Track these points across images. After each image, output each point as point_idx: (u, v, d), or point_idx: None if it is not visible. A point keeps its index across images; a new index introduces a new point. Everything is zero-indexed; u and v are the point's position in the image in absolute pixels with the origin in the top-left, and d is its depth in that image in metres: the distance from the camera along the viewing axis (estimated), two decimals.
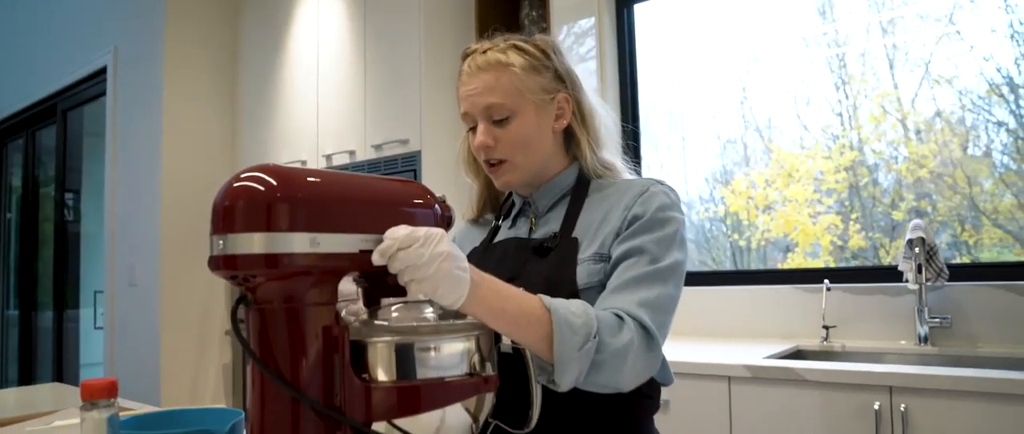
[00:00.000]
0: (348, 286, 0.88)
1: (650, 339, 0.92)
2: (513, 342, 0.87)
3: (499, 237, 1.17)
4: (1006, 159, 2.40)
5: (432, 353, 0.76)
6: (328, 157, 3.28)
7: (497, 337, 0.86)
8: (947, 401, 1.72)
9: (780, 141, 2.86)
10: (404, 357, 0.76)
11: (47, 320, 5.16)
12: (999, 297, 2.19)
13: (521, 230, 1.14)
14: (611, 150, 1.16)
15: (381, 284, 0.83)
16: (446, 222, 0.86)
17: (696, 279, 2.80)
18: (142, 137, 3.85)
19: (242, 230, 0.69)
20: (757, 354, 2.15)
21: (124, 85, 4.04)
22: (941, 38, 2.51)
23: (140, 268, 3.82)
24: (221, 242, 0.70)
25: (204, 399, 3.68)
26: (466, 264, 0.78)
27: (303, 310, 0.72)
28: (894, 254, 2.53)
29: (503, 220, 1.19)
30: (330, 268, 0.72)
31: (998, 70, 2.39)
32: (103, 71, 4.19)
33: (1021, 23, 2.37)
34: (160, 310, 3.61)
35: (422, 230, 0.75)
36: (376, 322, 0.78)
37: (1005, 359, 2.07)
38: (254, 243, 0.69)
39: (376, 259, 0.73)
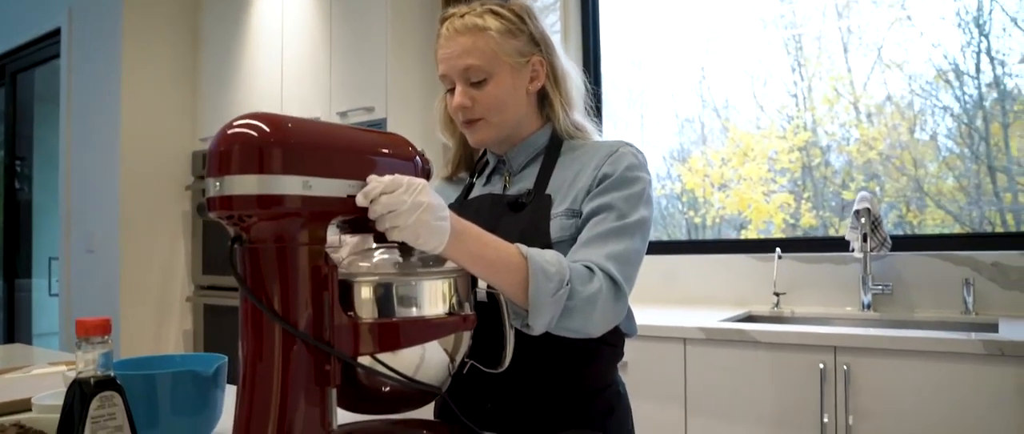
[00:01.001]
0: (331, 236, 0.92)
1: (617, 289, 0.99)
2: (488, 288, 0.93)
3: (474, 193, 1.22)
4: (950, 143, 2.53)
5: (413, 293, 0.82)
6: None
7: (474, 281, 0.91)
8: (885, 360, 1.84)
9: (737, 120, 2.93)
10: (387, 296, 0.81)
11: (0, 290, 5.05)
12: (936, 266, 2.33)
13: (495, 187, 1.19)
14: (581, 111, 1.21)
15: (367, 232, 0.88)
16: (426, 174, 0.91)
17: (655, 248, 2.89)
18: (99, 102, 3.78)
19: (238, 172, 0.73)
20: (712, 318, 2.25)
21: (79, 48, 3.95)
22: (893, 23, 2.60)
23: (98, 234, 3.77)
24: (217, 184, 0.74)
25: None
26: (447, 213, 0.83)
27: (294, 249, 0.76)
28: (843, 232, 2.61)
29: (477, 178, 1.24)
30: (320, 211, 0.77)
31: (945, 57, 2.50)
32: (57, 33, 4.09)
33: (968, 11, 2.48)
34: (119, 276, 3.58)
35: (406, 178, 0.79)
36: (362, 264, 0.83)
37: (939, 322, 2.21)
38: (249, 184, 0.73)
39: (360, 200, 0.78)
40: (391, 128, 2.89)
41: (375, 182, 0.79)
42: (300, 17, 3.28)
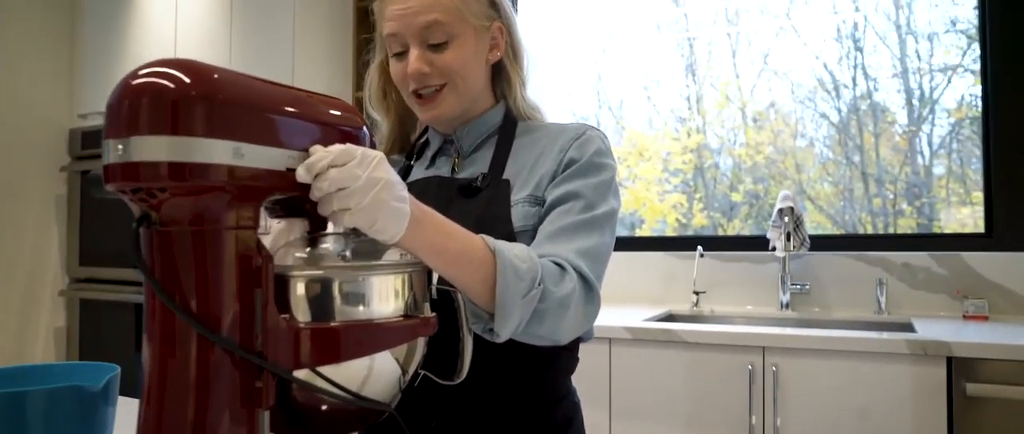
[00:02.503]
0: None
1: (589, 290, 0.88)
2: (440, 283, 0.79)
3: (413, 177, 1.07)
4: (826, 150, 2.68)
5: (364, 290, 0.67)
6: None
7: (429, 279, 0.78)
8: (813, 360, 1.83)
9: (632, 121, 2.99)
10: (331, 294, 0.66)
11: None
12: (849, 266, 2.36)
13: (443, 170, 1.05)
14: (533, 92, 1.09)
15: (300, 216, 0.73)
16: (370, 146, 0.77)
17: None
18: None
19: (148, 132, 0.57)
20: (633, 317, 2.19)
21: None
22: (779, 32, 2.71)
23: None
24: (119, 147, 0.57)
25: None
26: (406, 194, 0.69)
27: (218, 234, 0.60)
28: (731, 232, 2.77)
29: (416, 160, 1.10)
30: (252, 186, 0.61)
31: (825, 67, 2.64)
32: None
33: (845, 25, 2.61)
34: None
35: (359, 149, 0.65)
36: (298, 254, 0.68)
37: (855, 321, 2.24)
38: (162, 148, 0.57)
39: (301, 175, 0.63)
40: None
41: (321, 153, 0.64)
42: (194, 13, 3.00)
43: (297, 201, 0.69)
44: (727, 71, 2.79)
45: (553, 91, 3.09)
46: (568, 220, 0.91)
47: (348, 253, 0.70)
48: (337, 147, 0.64)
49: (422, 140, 1.10)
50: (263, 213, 0.73)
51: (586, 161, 0.96)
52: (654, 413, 1.98)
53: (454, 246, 0.75)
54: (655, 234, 2.86)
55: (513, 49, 1.03)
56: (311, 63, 2.81)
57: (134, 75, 0.59)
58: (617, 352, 2.04)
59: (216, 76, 0.60)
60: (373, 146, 0.76)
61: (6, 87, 3.25)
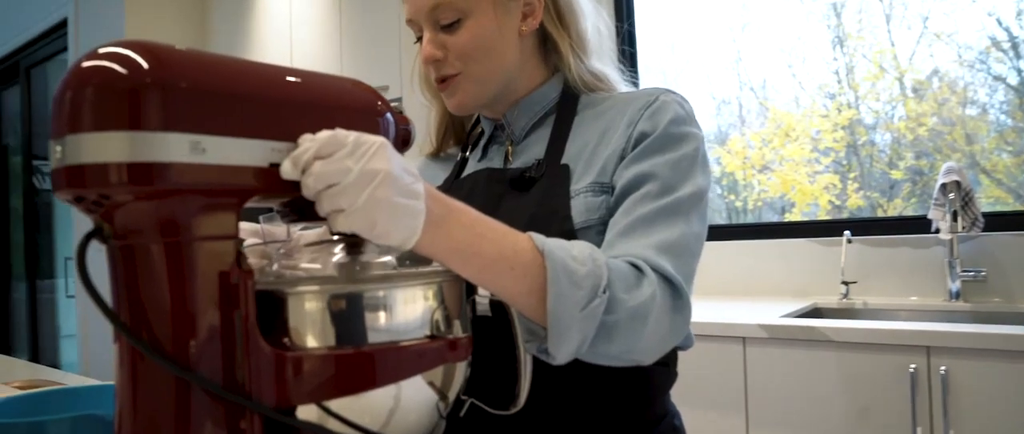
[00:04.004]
0: (277, 228, 0.66)
1: (676, 294, 0.71)
2: (492, 295, 0.66)
3: (467, 171, 0.94)
4: (1003, 117, 2.37)
5: (378, 308, 0.55)
6: None
7: (470, 287, 0.64)
8: (993, 362, 1.52)
9: (776, 100, 2.83)
10: (338, 314, 0.54)
11: (23, 291, 4.94)
12: None
13: (495, 161, 0.91)
14: (603, 58, 0.93)
15: (309, 219, 0.61)
16: (402, 139, 0.64)
17: None
18: None
19: (92, 129, 0.47)
20: (772, 313, 1.95)
21: (87, 38, 3.77)
22: None
23: None
24: (58, 148, 0.48)
25: None
26: (420, 188, 0.56)
27: (186, 247, 0.50)
28: (891, 213, 2.53)
29: (470, 151, 0.96)
30: (224, 187, 0.50)
31: (999, 23, 2.31)
32: (64, 25, 3.92)
33: None
34: None
35: (352, 135, 0.52)
36: (299, 265, 0.56)
37: None
38: (109, 147, 0.47)
39: (286, 170, 0.51)
40: (409, 107, 2.63)
41: (306, 142, 0.52)
42: (308, 4, 3.06)
43: (304, 204, 0.57)
44: (881, 39, 2.54)
45: (690, 73, 2.96)
46: (643, 209, 0.74)
47: (369, 258, 0.58)
48: (324, 134, 0.52)
49: (477, 129, 0.97)
50: (276, 217, 0.63)
51: (661, 132, 0.79)
52: (798, 423, 1.74)
53: (490, 249, 0.60)
54: (807, 218, 2.64)
55: (557, 11, 0.87)
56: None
57: (83, 60, 0.49)
58: (753, 353, 1.82)
59: (173, 58, 0.49)
60: (405, 135, 0.64)
61: None
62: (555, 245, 0.64)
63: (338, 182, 0.50)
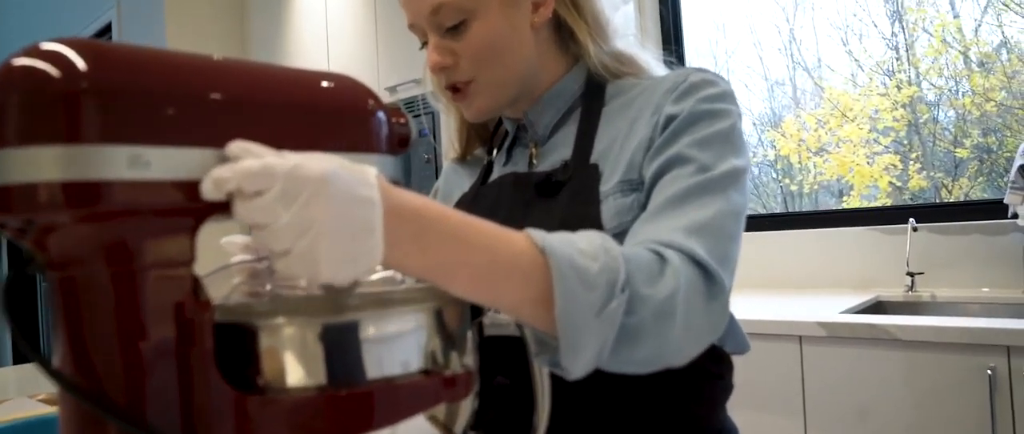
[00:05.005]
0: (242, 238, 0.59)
1: (710, 280, 0.61)
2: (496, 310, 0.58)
3: (493, 176, 0.86)
4: None
5: (357, 341, 0.47)
6: None
7: (475, 310, 0.56)
8: None
9: (832, 80, 2.73)
10: (309, 350, 0.46)
11: None
12: None
13: (520, 164, 0.83)
14: (627, 39, 0.84)
15: None
16: (400, 141, 0.56)
17: (753, 224, 2.47)
18: None
19: (19, 143, 0.40)
20: (831, 308, 1.83)
21: (128, 39, 3.82)
22: None
23: None
24: None
25: None
26: (376, 216, 0.44)
27: (133, 277, 0.43)
28: (957, 194, 2.40)
29: (496, 153, 0.88)
30: (171, 206, 0.43)
31: None
32: (109, 28, 3.97)
33: None
34: None
35: (287, 165, 0.42)
36: (265, 290, 0.49)
37: None
38: (38, 165, 0.40)
39: (207, 190, 0.42)
40: None
41: (223, 168, 0.42)
42: (344, 2, 3.03)
43: None
44: (943, 12, 2.43)
45: (743, 56, 2.89)
46: (671, 189, 0.66)
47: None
48: (247, 166, 0.42)
49: (501, 130, 0.89)
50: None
51: (690, 111, 0.70)
52: (861, 431, 1.62)
53: (479, 258, 0.51)
54: (866, 200, 2.53)
55: None
56: None
57: (11, 60, 0.43)
58: (810, 353, 1.70)
59: (113, 55, 0.42)
60: (401, 138, 0.56)
61: None
62: (558, 240, 0.55)
63: (270, 224, 0.42)
